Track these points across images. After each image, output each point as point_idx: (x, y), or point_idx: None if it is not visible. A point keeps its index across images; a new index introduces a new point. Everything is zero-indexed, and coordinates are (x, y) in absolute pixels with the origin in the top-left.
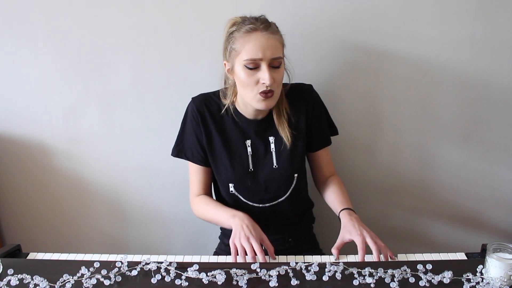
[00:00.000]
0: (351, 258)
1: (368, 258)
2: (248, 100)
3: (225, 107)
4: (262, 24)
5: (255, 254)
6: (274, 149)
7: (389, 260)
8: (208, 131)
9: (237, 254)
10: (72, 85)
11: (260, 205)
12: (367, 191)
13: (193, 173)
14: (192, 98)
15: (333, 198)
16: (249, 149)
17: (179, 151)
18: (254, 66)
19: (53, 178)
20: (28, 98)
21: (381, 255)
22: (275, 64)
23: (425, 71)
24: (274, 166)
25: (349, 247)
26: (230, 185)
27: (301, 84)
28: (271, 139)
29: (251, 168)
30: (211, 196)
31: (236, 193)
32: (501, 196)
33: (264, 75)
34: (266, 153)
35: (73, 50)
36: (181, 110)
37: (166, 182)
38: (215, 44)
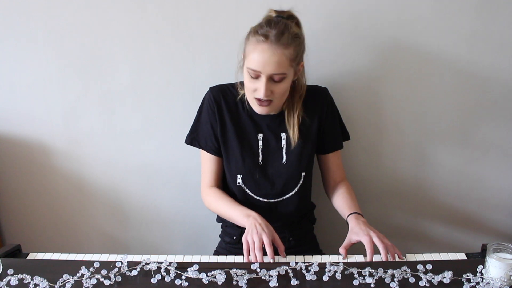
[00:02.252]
0: (351, 258)
1: (376, 258)
2: (248, 100)
3: (240, 96)
4: (274, 36)
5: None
6: (284, 146)
7: (397, 259)
8: (222, 121)
9: (249, 252)
10: (72, 85)
11: (265, 200)
12: (368, 192)
13: (205, 162)
14: (210, 87)
15: (341, 203)
16: (260, 143)
17: (193, 139)
18: (255, 75)
19: (53, 178)
20: (28, 98)
21: (389, 255)
22: (276, 79)
23: (425, 71)
24: (283, 162)
25: (352, 247)
26: (238, 176)
27: (316, 87)
28: (283, 135)
29: (260, 161)
30: (223, 189)
31: (242, 185)
32: (501, 196)
33: (260, 87)
34: (277, 148)
35: (73, 50)
36: (181, 109)
37: (166, 182)
38: (215, 44)
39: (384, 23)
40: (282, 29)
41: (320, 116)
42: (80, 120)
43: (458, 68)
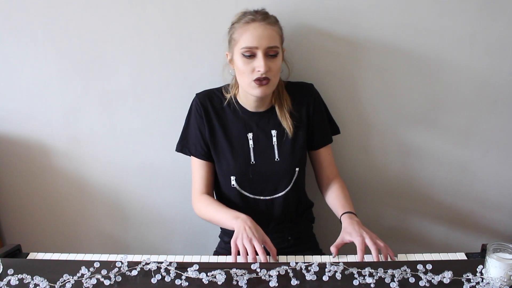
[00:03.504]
0: (351, 258)
1: (368, 258)
2: (245, 87)
3: (227, 100)
4: (260, 16)
5: (256, 254)
6: (276, 143)
7: (389, 260)
8: (211, 125)
9: (238, 255)
10: (72, 85)
11: (261, 198)
12: (365, 192)
13: (196, 169)
14: (196, 94)
15: (335, 201)
16: (250, 142)
17: (183, 146)
18: (250, 53)
19: (53, 178)
20: (28, 98)
21: (381, 256)
22: (271, 53)
23: (424, 70)
24: (275, 159)
25: (349, 247)
26: (232, 178)
27: (302, 83)
28: (273, 132)
29: (252, 161)
30: (213, 196)
31: (237, 187)
32: (501, 197)
33: (259, 62)
34: (268, 146)
35: (73, 50)
36: (181, 109)
37: (166, 182)
38: (215, 44)
39: (382, 23)
40: (265, 12)
41: (307, 111)
42: (80, 120)
43: (458, 68)
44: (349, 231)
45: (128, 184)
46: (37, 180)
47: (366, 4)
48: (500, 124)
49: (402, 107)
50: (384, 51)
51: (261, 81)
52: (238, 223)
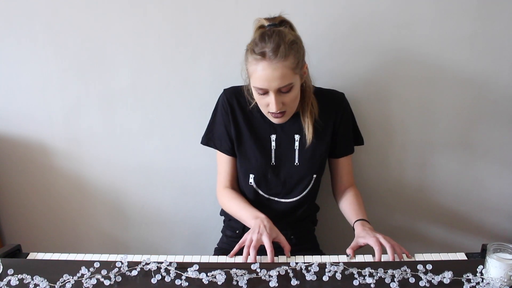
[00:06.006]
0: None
1: (384, 258)
2: (263, 112)
3: (254, 103)
4: (271, 51)
5: (258, 253)
6: (298, 147)
7: (405, 259)
8: (236, 122)
9: (241, 247)
10: (72, 85)
11: (276, 199)
12: (366, 193)
13: (221, 163)
14: (224, 89)
15: (348, 208)
16: (273, 143)
17: (208, 139)
18: (263, 92)
19: (53, 178)
20: (28, 98)
21: (397, 255)
22: (283, 90)
23: (425, 71)
24: (295, 163)
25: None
26: (251, 176)
27: (334, 91)
28: (297, 137)
29: (273, 162)
30: (238, 190)
31: (254, 185)
32: (501, 197)
33: (272, 103)
34: (290, 150)
35: (73, 50)
36: (181, 109)
37: (166, 182)
38: (215, 45)
39: (382, 24)
40: (277, 41)
41: (335, 121)
42: (80, 120)
43: (458, 70)
44: (363, 235)
45: (128, 184)
46: (37, 180)
47: (366, 7)
48: (500, 124)
49: (402, 108)
50: (384, 54)
51: (275, 113)
52: (256, 222)
